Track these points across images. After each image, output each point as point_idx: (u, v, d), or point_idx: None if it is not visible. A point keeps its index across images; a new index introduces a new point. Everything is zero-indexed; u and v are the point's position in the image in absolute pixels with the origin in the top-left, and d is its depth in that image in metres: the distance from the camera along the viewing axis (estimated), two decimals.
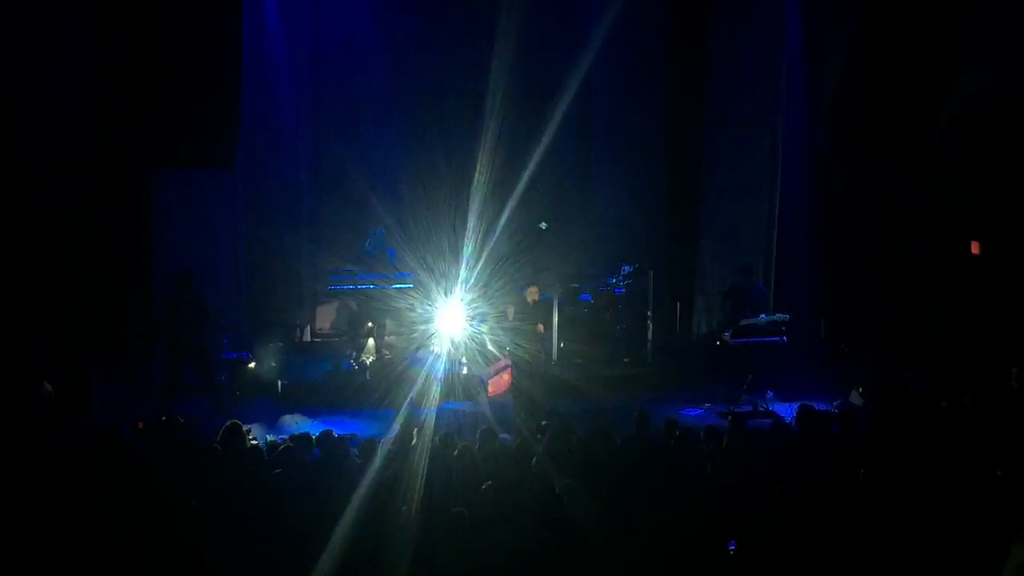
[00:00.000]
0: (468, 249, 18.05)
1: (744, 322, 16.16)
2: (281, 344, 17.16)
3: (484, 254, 18.07)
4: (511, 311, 15.87)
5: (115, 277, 16.49)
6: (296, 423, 14.81)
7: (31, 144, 15.25)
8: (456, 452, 10.82)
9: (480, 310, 17.44)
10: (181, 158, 16.18)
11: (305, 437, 11.94)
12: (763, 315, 16.39)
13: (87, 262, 15.86)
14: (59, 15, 15.20)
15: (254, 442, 12.69)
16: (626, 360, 17.73)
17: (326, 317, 19.13)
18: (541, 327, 15.50)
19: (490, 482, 9.88)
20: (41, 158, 15.37)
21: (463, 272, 17.89)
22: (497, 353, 17.27)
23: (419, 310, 17.70)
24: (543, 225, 19.00)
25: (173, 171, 16.63)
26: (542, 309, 15.73)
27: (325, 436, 11.88)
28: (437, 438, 11.24)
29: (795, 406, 12.61)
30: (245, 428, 12.23)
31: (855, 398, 15.70)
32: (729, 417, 13.71)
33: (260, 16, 17.49)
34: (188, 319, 15.11)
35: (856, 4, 16.92)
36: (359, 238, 18.26)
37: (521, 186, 18.40)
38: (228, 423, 11.49)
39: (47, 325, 15.28)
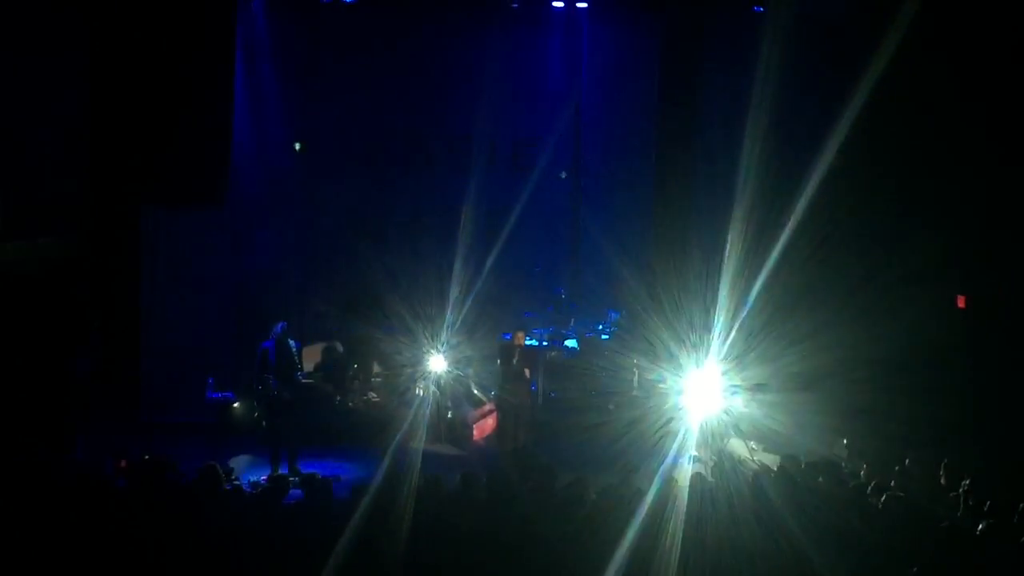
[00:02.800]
0: (454, 292, 18.08)
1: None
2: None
3: (470, 297, 18.09)
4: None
5: (103, 314, 16.48)
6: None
7: (23, 181, 15.27)
8: (441, 496, 10.80)
9: (466, 354, 17.43)
10: (172, 197, 16.23)
11: (283, 479, 11.92)
12: None
13: (75, 298, 15.84)
14: (54, 55, 15.26)
15: (236, 483, 12.65)
16: (612, 407, 17.69)
17: (312, 358, 19.07)
18: (527, 372, 15.47)
19: (471, 527, 9.86)
20: (33, 195, 15.39)
21: (449, 316, 17.90)
22: (482, 397, 17.26)
23: (406, 353, 17.69)
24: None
25: (164, 209, 16.63)
26: (528, 354, 15.72)
27: (309, 478, 11.85)
28: (422, 481, 11.20)
29: (780, 456, 12.60)
30: (227, 468, 12.18)
31: (839, 450, 15.69)
32: (713, 466, 13.71)
33: (254, 59, 17.56)
34: (282, 371, 14.95)
35: (843, 56, 17.07)
36: (346, 280, 18.21)
37: (507, 232, 18.45)
38: (206, 463, 11.43)
39: (32, 361, 15.21)
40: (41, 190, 15.55)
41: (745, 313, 17.98)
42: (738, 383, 16.51)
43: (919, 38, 15.53)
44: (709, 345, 16.94)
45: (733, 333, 17.28)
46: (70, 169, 15.93)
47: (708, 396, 16.15)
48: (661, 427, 16.51)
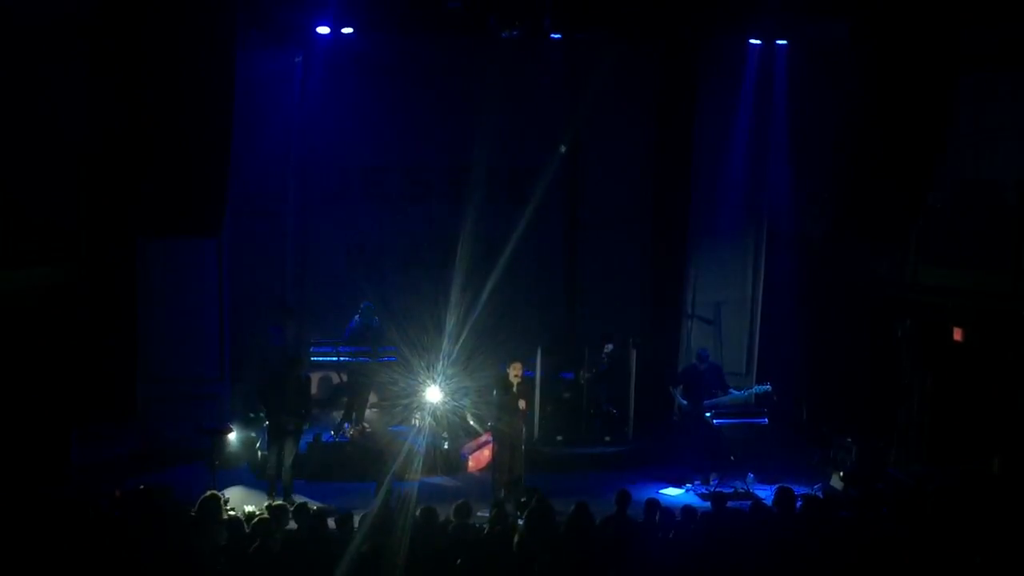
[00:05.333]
0: (450, 323, 18.06)
1: (724, 400, 16.20)
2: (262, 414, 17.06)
3: (466, 329, 18.06)
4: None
5: (98, 343, 16.45)
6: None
7: (21, 209, 15.26)
8: (436, 527, 10.78)
9: (463, 384, 17.41)
10: (168, 227, 16.21)
11: (282, 509, 11.90)
12: (734, 391, 16.41)
13: (70, 326, 15.81)
14: (52, 84, 15.27)
15: (232, 512, 12.62)
16: (608, 438, 17.65)
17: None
18: (523, 403, 15.45)
19: (460, 560, 9.85)
20: (30, 223, 15.38)
21: (445, 346, 17.87)
22: (478, 428, 17.22)
23: (401, 384, 17.66)
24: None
25: (160, 239, 16.63)
26: (524, 385, 15.70)
27: (302, 509, 11.84)
28: (417, 512, 11.18)
29: (775, 488, 12.59)
30: (224, 498, 12.16)
31: (836, 481, 15.68)
32: (709, 498, 13.70)
33: (251, 89, 17.56)
34: (291, 401, 15.04)
35: (842, 90, 17.12)
36: (342, 310, 18.18)
37: (504, 261, 18.44)
38: (207, 493, 11.42)
39: (27, 390, 15.17)
40: (38, 218, 15.55)
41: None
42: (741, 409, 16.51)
43: (919, 65, 15.61)
44: None
45: None
46: (67, 197, 15.93)
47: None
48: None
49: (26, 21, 15.00)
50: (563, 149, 18.75)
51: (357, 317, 17.58)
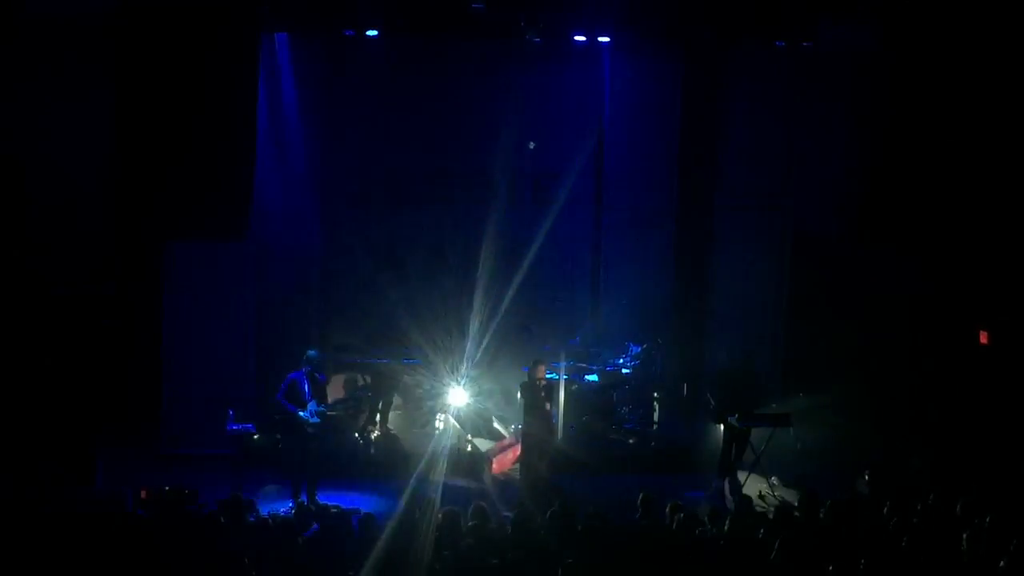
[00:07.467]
0: (475, 326, 18.07)
1: (756, 406, 16.17)
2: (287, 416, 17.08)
3: (491, 331, 18.07)
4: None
5: (123, 346, 16.52)
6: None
7: (46, 213, 15.35)
8: (459, 530, 10.78)
9: (487, 386, 17.42)
10: (194, 230, 16.28)
11: (305, 511, 11.92)
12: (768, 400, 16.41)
13: (95, 330, 15.88)
14: (79, 90, 15.36)
15: (256, 514, 12.64)
16: (632, 440, 17.63)
17: (333, 390, 19.07)
18: (548, 405, 15.45)
19: (496, 561, 9.84)
20: (55, 227, 15.47)
21: (469, 348, 17.88)
22: (502, 430, 17.23)
23: (426, 386, 17.68)
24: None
25: (185, 242, 16.69)
26: (549, 387, 15.69)
27: (329, 510, 11.87)
28: (441, 514, 11.18)
29: (800, 492, 12.54)
30: (248, 500, 12.18)
31: (861, 485, 15.60)
32: (734, 501, 13.66)
33: (276, 93, 17.63)
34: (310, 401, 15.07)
35: (865, 91, 17.07)
36: (367, 314, 18.22)
37: (528, 263, 18.43)
38: (231, 494, 11.46)
39: (51, 393, 15.24)
40: (67, 225, 15.64)
41: None
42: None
43: (950, 71, 15.54)
44: None
45: None
46: (96, 204, 16.00)
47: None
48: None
49: (50, 29, 15.09)
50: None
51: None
